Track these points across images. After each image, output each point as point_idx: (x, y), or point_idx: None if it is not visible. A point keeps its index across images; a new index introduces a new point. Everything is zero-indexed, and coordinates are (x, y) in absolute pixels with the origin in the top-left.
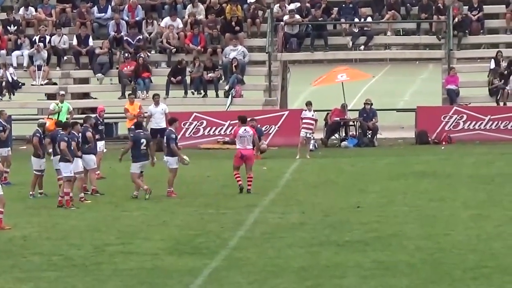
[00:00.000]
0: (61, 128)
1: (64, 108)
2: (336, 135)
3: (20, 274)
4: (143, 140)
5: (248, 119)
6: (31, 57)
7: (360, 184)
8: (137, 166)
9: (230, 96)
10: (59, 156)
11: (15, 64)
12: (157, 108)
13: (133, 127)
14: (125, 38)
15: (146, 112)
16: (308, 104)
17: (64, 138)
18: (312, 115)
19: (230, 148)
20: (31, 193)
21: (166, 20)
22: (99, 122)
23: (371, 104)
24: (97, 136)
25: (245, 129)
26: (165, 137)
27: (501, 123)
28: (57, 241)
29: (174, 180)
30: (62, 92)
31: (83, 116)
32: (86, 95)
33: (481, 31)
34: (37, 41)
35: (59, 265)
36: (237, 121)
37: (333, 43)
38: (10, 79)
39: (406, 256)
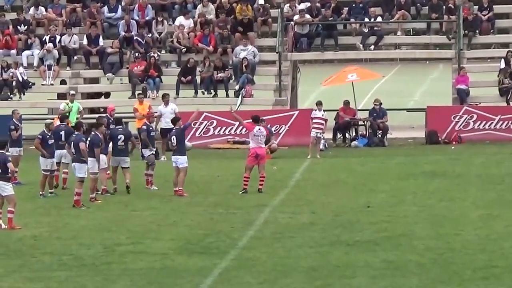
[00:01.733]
0: (64, 124)
1: (74, 107)
2: (347, 134)
3: (30, 274)
4: (121, 136)
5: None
6: (41, 57)
7: (370, 184)
8: (113, 161)
9: (240, 96)
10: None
11: (25, 64)
12: (167, 108)
13: (144, 127)
14: (135, 37)
15: (156, 112)
16: (318, 103)
17: (82, 138)
18: (322, 115)
19: (240, 148)
20: (40, 193)
21: (180, 19)
22: (110, 121)
23: (381, 104)
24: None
25: (259, 129)
26: (174, 137)
27: (511, 123)
28: (67, 241)
29: (185, 179)
30: (72, 92)
31: (94, 115)
32: (98, 95)
33: (491, 31)
34: (47, 41)
35: (69, 265)
36: (247, 120)
37: (343, 42)
38: (20, 78)
39: (416, 256)
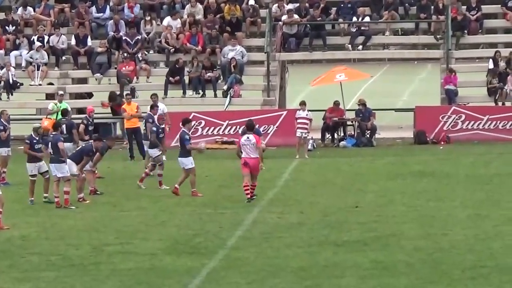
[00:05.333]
0: (66, 118)
1: (62, 108)
2: (335, 134)
3: (18, 274)
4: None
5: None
6: (30, 57)
7: (359, 184)
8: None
9: (228, 96)
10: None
11: (13, 64)
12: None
13: (154, 128)
14: (124, 38)
15: (144, 113)
16: (302, 103)
17: (60, 138)
18: (307, 115)
19: (228, 148)
20: (30, 199)
21: (168, 20)
22: (89, 123)
23: (365, 104)
24: (86, 137)
25: (247, 137)
26: (179, 138)
27: (499, 123)
28: (56, 241)
29: (193, 179)
30: (60, 92)
31: (82, 116)
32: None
33: (480, 31)
34: (35, 41)
35: (57, 265)
36: (235, 121)
37: (332, 43)
38: (11, 79)
39: (405, 256)
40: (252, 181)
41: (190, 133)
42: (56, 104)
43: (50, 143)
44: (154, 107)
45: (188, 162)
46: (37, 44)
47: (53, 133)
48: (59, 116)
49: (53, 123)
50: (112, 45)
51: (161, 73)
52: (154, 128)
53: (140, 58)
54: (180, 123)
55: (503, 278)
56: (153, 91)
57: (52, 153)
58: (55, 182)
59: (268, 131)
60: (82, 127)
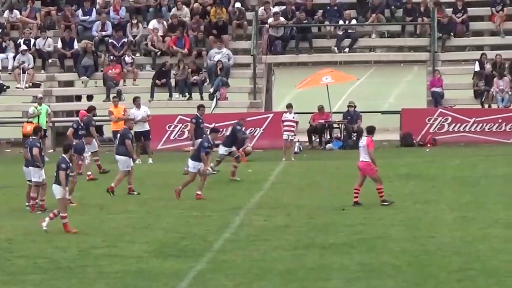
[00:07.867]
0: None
1: (43, 110)
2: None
3: (4, 277)
4: None
5: (236, 120)
6: (15, 60)
7: (345, 186)
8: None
9: (215, 99)
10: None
11: None
12: (139, 110)
13: (238, 127)
14: (110, 40)
15: (130, 116)
16: (289, 106)
17: (37, 144)
18: (293, 117)
19: (215, 150)
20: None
21: (154, 22)
22: (79, 127)
23: (355, 106)
24: (76, 141)
25: (362, 140)
26: (200, 141)
27: (485, 125)
28: (42, 244)
29: (188, 181)
30: (39, 95)
31: (71, 118)
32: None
33: (466, 33)
34: (21, 44)
35: (44, 268)
36: (221, 123)
37: (318, 45)
38: None
39: (391, 259)
40: (376, 185)
41: (213, 143)
42: (36, 108)
43: (28, 147)
44: (200, 107)
45: (192, 165)
46: (23, 47)
47: (32, 137)
48: (42, 119)
49: (34, 127)
50: (98, 47)
51: (147, 76)
52: (239, 127)
53: (130, 60)
54: (208, 131)
55: (490, 280)
56: (140, 94)
57: (31, 156)
58: (33, 187)
59: (255, 134)
60: (70, 130)
